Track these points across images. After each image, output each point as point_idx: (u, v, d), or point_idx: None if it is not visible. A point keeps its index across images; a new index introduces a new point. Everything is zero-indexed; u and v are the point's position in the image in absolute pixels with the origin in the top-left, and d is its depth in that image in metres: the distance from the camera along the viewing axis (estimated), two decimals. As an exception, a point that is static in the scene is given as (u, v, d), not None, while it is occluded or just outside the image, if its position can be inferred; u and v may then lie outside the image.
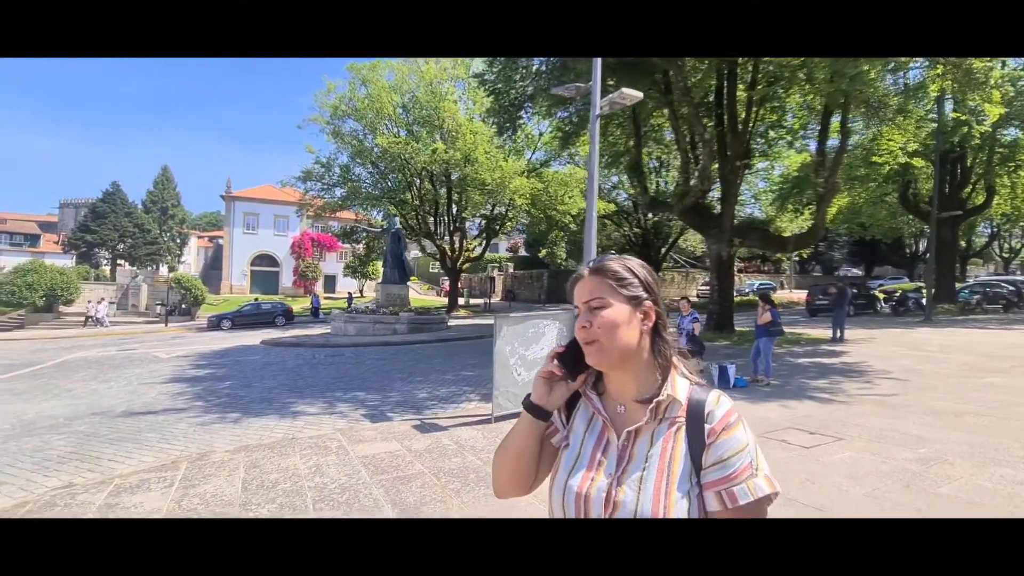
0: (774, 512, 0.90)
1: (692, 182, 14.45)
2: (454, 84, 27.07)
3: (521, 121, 16.64)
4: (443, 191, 28.42)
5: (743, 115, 14.17)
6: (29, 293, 27.86)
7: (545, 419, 1.01)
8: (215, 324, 25.52)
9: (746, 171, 16.26)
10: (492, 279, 39.64)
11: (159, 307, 32.37)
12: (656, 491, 0.88)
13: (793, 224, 27.07)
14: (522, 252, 52.56)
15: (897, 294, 24.17)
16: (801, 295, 27.86)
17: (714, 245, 14.78)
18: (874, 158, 15.59)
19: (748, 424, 0.92)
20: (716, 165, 14.27)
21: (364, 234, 30.56)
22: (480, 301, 36.27)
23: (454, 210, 29.24)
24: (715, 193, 18.10)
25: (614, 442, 0.95)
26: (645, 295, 0.96)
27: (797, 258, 45.00)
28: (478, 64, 24.25)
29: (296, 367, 12.25)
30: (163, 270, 49.77)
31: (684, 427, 0.91)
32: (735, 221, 15.40)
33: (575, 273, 1.01)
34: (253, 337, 20.33)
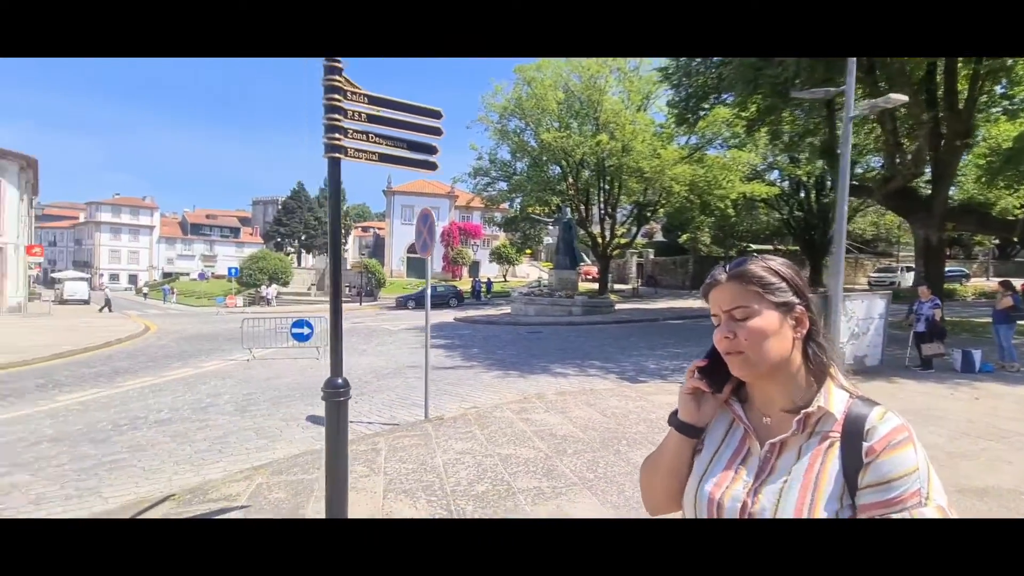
0: None
1: (898, 165, 13.94)
2: (612, 74, 28.01)
3: (704, 112, 17.14)
4: (596, 179, 29.71)
5: (964, 90, 13.27)
6: (261, 276, 34.79)
7: (697, 436, 0.98)
8: (402, 304, 29.84)
9: (965, 151, 15.06)
10: (641, 265, 40.14)
11: (347, 289, 38.45)
12: (798, 507, 0.82)
13: (1002, 202, 23.86)
14: (658, 237, 52.16)
15: None
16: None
17: (921, 230, 14.13)
18: None
19: (922, 447, 0.82)
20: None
21: (524, 223, 33.03)
22: (626, 287, 37.09)
23: (604, 197, 30.41)
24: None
25: (756, 452, 0.90)
26: (796, 300, 0.89)
27: (996, 242, 38.83)
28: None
29: (514, 340, 14.42)
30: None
31: (838, 444, 0.83)
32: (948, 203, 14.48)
33: (709, 277, 0.94)
34: (441, 316, 23.53)
